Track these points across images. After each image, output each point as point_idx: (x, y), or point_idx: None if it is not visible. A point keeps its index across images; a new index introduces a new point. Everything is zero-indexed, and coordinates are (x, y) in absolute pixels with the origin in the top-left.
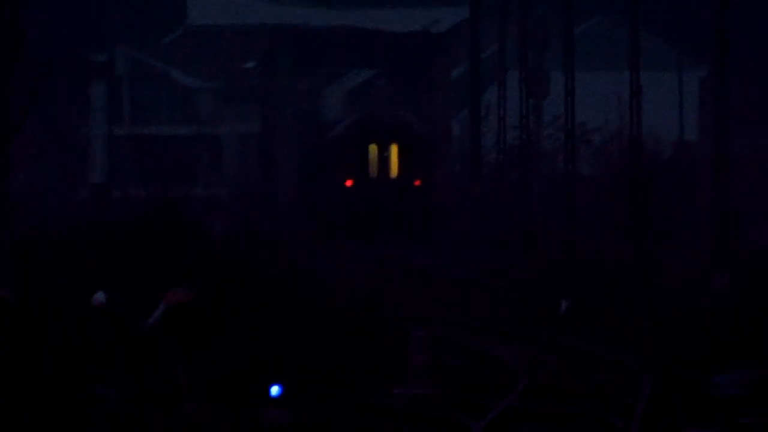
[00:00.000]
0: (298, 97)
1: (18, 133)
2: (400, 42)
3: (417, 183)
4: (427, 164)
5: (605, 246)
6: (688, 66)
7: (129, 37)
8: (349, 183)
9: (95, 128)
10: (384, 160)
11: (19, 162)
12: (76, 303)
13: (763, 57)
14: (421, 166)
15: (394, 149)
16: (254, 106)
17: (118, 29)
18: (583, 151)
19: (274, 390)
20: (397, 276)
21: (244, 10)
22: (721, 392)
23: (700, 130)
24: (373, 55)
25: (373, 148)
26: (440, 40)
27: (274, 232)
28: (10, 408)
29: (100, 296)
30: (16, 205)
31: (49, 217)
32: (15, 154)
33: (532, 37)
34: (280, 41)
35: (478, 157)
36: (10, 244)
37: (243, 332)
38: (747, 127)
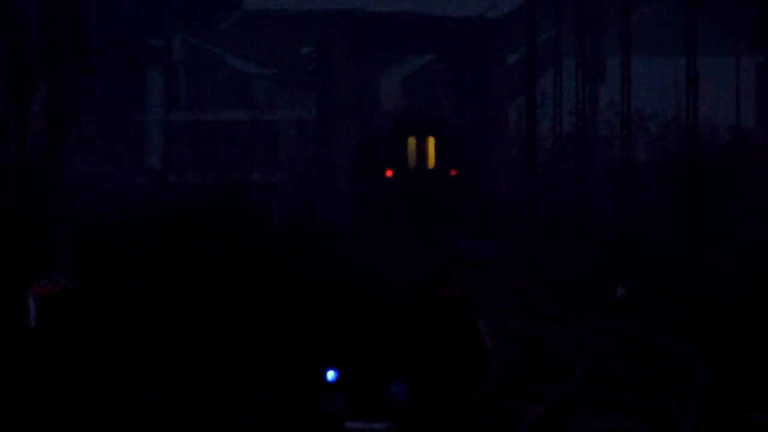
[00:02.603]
0: (354, 82)
1: (76, 120)
2: (456, 27)
3: (453, 173)
4: (463, 155)
5: (662, 232)
6: (745, 52)
7: (185, 23)
8: (389, 173)
9: (152, 114)
10: (422, 152)
11: (77, 147)
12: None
13: None
14: (456, 158)
15: (431, 142)
16: (310, 91)
17: (175, 15)
18: (639, 137)
19: (330, 375)
20: (452, 264)
21: None
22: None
23: (758, 117)
24: (430, 41)
25: (411, 141)
26: (496, 26)
27: (329, 219)
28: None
29: None
30: (74, 190)
31: (106, 202)
32: (73, 140)
33: (589, 23)
34: (336, 27)
35: (534, 144)
36: (65, 233)
37: (300, 318)
38: None
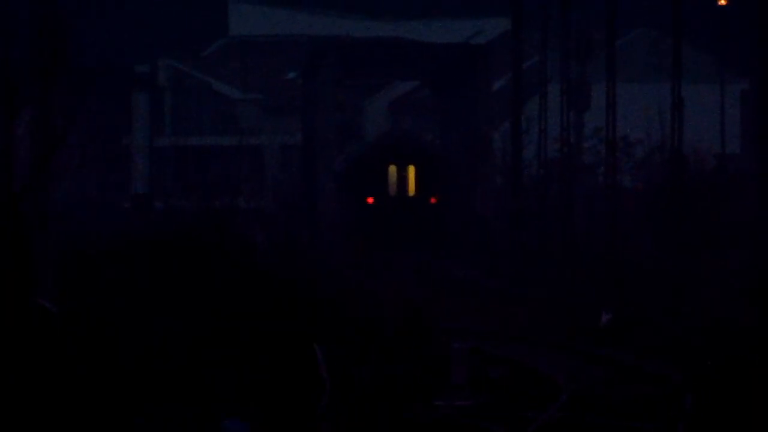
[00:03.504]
0: (340, 108)
1: (62, 144)
2: (441, 53)
3: (433, 200)
4: (444, 183)
5: (646, 258)
6: (730, 78)
7: (171, 49)
8: (370, 200)
9: (137, 139)
10: (402, 179)
11: (63, 172)
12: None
13: None
14: (437, 185)
15: (411, 170)
16: (296, 117)
17: (160, 41)
18: (624, 163)
19: None
20: (436, 288)
21: (286, 21)
22: None
23: (742, 143)
24: (415, 67)
25: (392, 169)
26: (482, 52)
27: (313, 244)
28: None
29: None
30: (59, 214)
31: (91, 227)
32: (58, 164)
33: (575, 49)
34: (322, 52)
35: (519, 170)
36: (52, 254)
37: (283, 344)
38: None
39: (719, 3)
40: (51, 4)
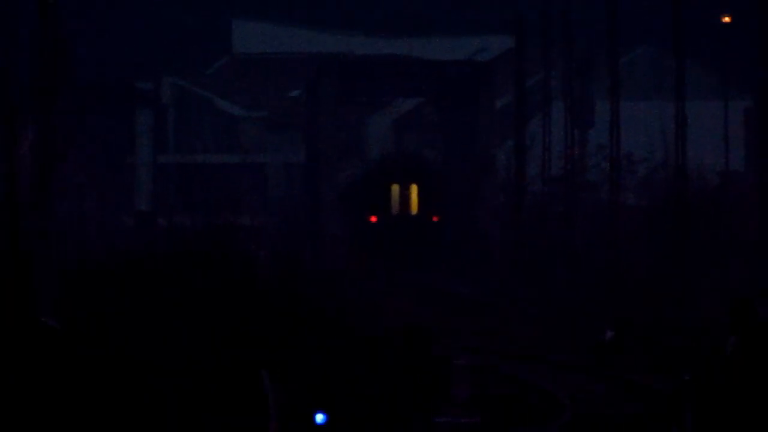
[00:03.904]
0: (343, 125)
1: (63, 161)
2: (445, 71)
3: (435, 219)
4: (445, 202)
5: (650, 275)
6: (734, 95)
7: (174, 66)
8: (373, 219)
9: (141, 156)
10: (405, 198)
11: (66, 190)
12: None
13: None
14: (439, 204)
15: (413, 189)
16: (299, 134)
17: (164, 58)
18: (628, 181)
19: (319, 418)
20: (436, 305)
21: (289, 38)
22: None
23: (746, 160)
24: (419, 84)
25: (395, 188)
26: (486, 69)
27: (317, 260)
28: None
29: None
30: (62, 232)
31: (93, 244)
32: (62, 182)
33: (578, 66)
34: (326, 70)
35: (522, 187)
36: (54, 271)
37: (287, 360)
38: None
39: (722, 20)
40: (52, 25)
